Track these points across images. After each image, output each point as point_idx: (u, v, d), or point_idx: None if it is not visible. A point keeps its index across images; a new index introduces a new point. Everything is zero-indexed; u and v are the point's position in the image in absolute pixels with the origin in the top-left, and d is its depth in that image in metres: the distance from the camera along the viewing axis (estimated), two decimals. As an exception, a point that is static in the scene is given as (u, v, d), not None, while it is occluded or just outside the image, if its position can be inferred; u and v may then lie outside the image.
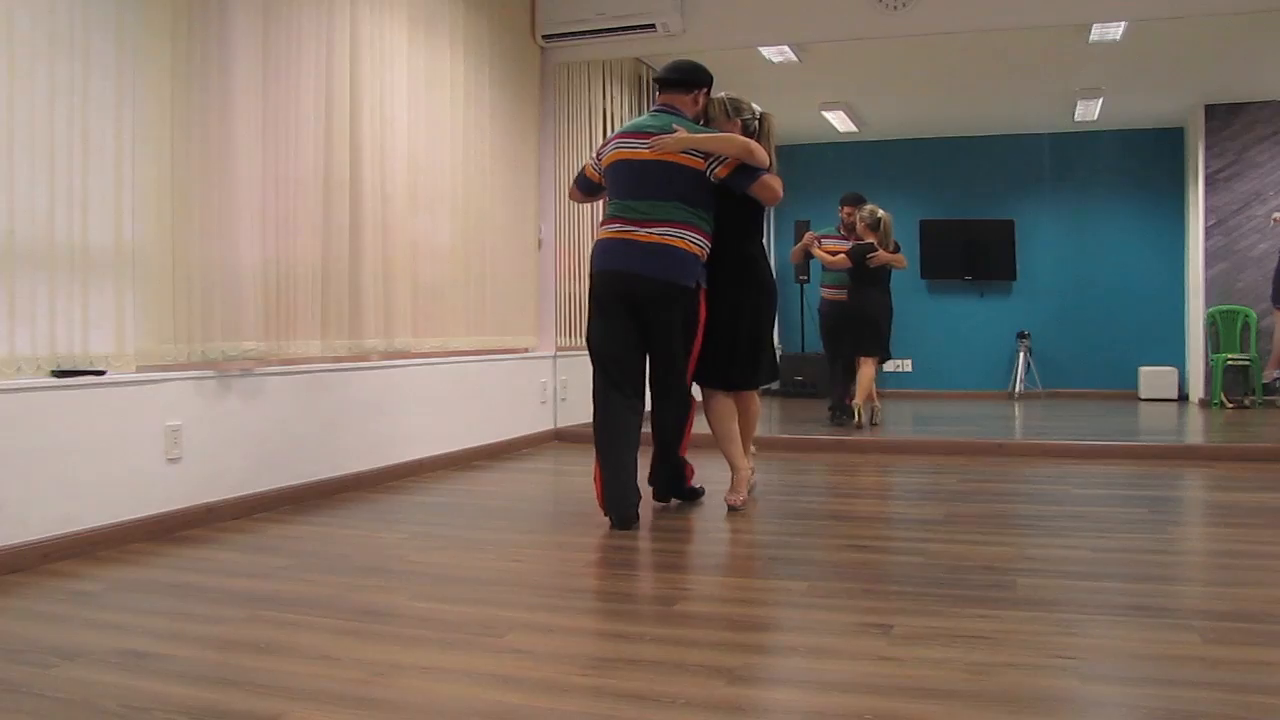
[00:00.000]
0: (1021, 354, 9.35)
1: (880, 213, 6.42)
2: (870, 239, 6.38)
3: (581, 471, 5.02)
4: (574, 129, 6.44)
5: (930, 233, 9.64)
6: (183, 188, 3.42)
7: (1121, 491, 4.36)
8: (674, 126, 3.57)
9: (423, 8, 4.83)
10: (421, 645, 2.18)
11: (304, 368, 4.03)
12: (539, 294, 6.12)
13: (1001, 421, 7.33)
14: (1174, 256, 9.18)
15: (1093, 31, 5.97)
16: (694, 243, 3.55)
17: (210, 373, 3.57)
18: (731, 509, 3.77)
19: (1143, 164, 9.29)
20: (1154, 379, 8.93)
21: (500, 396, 5.55)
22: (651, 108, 3.81)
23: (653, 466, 3.81)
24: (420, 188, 4.80)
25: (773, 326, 3.91)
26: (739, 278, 3.71)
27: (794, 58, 6.60)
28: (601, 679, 1.96)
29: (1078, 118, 8.69)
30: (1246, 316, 8.26)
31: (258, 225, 3.74)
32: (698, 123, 3.70)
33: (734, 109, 3.74)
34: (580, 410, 6.27)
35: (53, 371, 3.01)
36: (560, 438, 6.10)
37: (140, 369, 3.30)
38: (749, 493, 3.90)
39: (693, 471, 3.92)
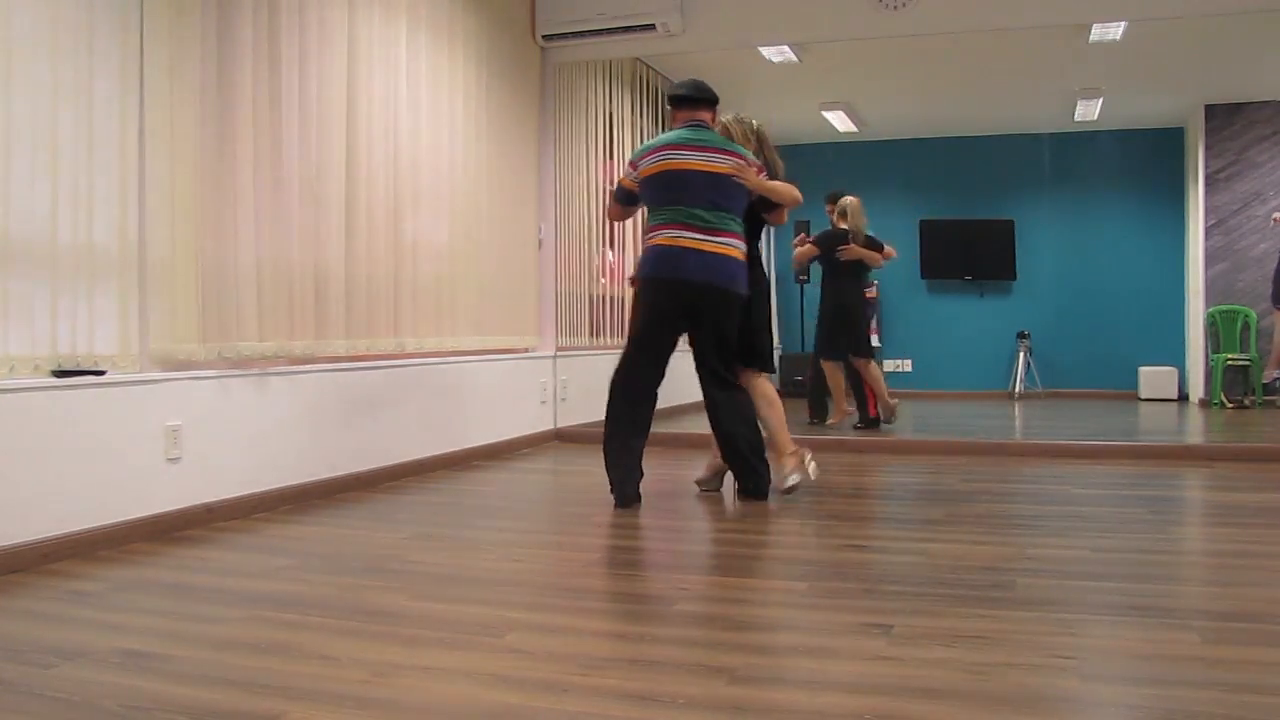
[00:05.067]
0: (1021, 354, 9.35)
1: (846, 198, 6.51)
2: (842, 226, 6.45)
3: (582, 471, 5.02)
4: (574, 129, 6.45)
5: (930, 233, 9.64)
6: (185, 187, 3.42)
7: (1121, 491, 4.36)
8: (738, 154, 3.82)
9: (423, 8, 4.82)
10: (421, 645, 2.18)
11: (305, 368, 4.03)
12: (539, 294, 6.12)
13: (1001, 421, 7.33)
14: (1174, 256, 9.18)
15: (1093, 31, 5.97)
16: (745, 251, 3.86)
17: (211, 372, 3.56)
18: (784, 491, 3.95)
19: (1143, 164, 9.29)
20: (1154, 379, 8.93)
21: (500, 396, 5.55)
22: (682, 123, 3.90)
23: (743, 463, 3.91)
24: (420, 188, 4.80)
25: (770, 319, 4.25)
26: (751, 275, 3.97)
27: (794, 58, 6.60)
28: (601, 679, 1.96)
29: (1078, 118, 8.68)
30: (1246, 316, 8.27)
31: (258, 225, 3.74)
32: None
33: (755, 132, 4.03)
34: (580, 410, 6.27)
35: (53, 371, 3.00)
36: (560, 438, 6.10)
37: (141, 369, 3.30)
38: (796, 480, 3.97)
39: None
